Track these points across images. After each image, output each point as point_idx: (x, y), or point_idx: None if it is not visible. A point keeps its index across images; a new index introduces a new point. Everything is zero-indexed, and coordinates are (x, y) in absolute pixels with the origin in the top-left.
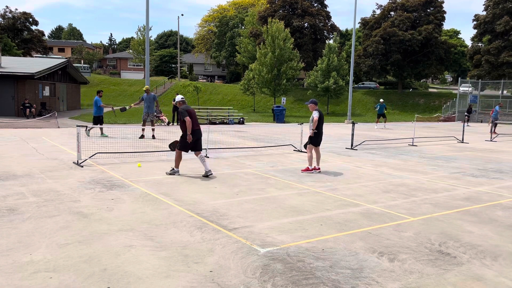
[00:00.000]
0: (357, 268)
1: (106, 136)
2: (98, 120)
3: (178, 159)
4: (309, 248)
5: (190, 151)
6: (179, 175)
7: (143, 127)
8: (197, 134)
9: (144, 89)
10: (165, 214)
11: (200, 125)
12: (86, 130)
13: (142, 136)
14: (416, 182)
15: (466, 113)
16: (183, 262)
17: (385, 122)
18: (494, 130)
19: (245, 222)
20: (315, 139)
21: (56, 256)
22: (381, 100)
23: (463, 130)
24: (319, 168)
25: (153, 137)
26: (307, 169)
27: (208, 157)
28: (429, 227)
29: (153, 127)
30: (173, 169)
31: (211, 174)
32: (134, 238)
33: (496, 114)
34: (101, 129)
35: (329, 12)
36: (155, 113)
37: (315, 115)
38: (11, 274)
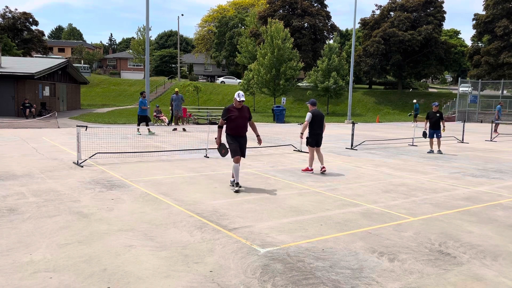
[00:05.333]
0: (357, 268)
1: (153, 134)
2: (141, 119)
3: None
4: (309, 248)
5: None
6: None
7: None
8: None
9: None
10: (165, 214)
11: (202, 125)
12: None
13: (175, 129)
14: (416, 182)
15: None
16: (183, 262)
17: (415, 122)
18: (495, 129)
19: (245, 222)
20: (310, 140)
21: (56, 256)
22: (414, 100)
23: (463, 130)
24: (324, 168)
25: (175, 129)
26: (306, 169)
27: (208, 157)
28: (429, 227)
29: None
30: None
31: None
32: (134, 238)
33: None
34: (148, 129)
35: (329, 12)
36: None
37: (306, 118)
38: (11, 274)
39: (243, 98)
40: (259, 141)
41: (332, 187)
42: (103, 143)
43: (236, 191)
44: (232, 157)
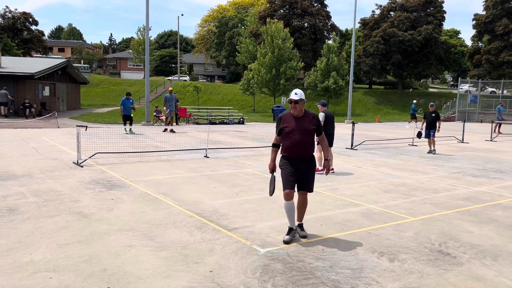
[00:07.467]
0: (357, 268)
1: (127, 133)
2: (124, 118)
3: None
4: (309, 248)
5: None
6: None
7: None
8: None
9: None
10: (165, 214)
11: (203, 125)
12: (130, 131)
13: (165, 130)
14: (416, 182)
15: None
16: (183, 262)
17: (415, 122)
18: (499, 129)
19: (245, 222)
20: None
21: (56, 256)
22: (414, 101)
23: (463, 130)
24: (332, 169)
25: (172, 131)
26: (317, 170)
27: (208, 157)
28: (429, 227)
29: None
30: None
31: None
32: (134, 238)
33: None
34: (125, 128)
35: (329, 12)
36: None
37: (320, 118)
38: (11, 274)
39: (295, 97)
40: (326, 168)
41: (332, 187)
42: (103, 143)
43: (286, 242)
44: (283, 190)
